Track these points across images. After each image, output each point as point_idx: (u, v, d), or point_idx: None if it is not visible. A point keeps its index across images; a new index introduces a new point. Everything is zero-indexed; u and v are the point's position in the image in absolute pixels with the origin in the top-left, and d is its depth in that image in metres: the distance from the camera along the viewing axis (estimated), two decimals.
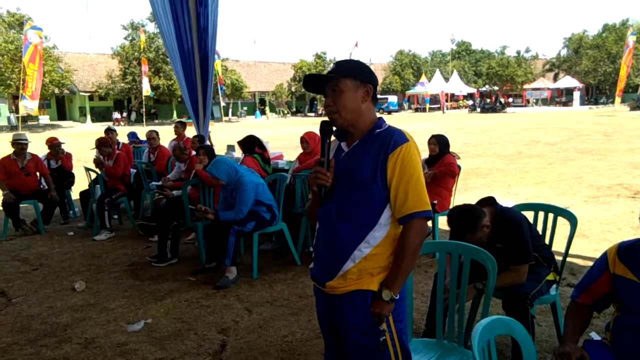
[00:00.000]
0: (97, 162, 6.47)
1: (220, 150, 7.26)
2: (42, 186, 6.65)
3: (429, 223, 1.85)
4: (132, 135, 8.90)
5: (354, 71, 1.79)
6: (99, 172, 6.48)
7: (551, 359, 1.87)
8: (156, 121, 37.34)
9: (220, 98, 34.49)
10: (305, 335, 3.34)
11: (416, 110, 47.80)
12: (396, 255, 1.77)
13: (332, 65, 1.87)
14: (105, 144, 6.35)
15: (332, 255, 1.82)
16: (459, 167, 5.09)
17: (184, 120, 8.47)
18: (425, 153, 5.38)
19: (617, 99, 30.96)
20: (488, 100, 43.40)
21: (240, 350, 3.17)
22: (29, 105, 19.01)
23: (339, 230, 1.79)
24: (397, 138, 1.74)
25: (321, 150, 1.82)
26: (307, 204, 2.09)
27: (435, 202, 4.78)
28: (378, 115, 1.87)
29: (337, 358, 2.00)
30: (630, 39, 29.61)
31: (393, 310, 1.79)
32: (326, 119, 1.83)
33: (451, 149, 5.14)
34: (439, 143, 5.00)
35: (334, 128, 1.83)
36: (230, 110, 42.14)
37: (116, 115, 37.14)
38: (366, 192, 1.76)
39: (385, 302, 1.75)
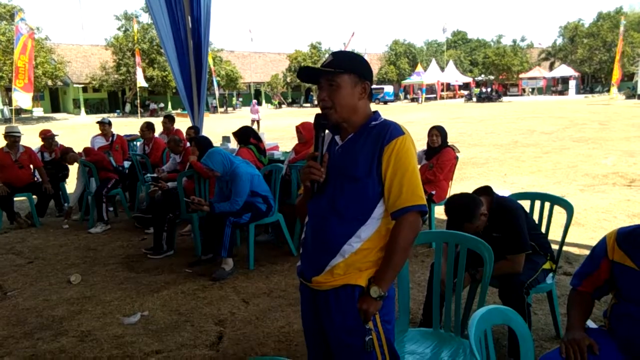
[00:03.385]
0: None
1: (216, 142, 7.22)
2: (35, 179, 6.62)
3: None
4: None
5: (353, 66, 1.69)
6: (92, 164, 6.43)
7: (560, 346, 1.85)
8: None
9: (216, 89, 34.19)
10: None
11: (412, 100, 47.67)
12: (387, 251, 1.71)
13: (328, 55, 1.74)
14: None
15: (321, 249, 1.76)
16: (457, 158, 5.07)
17: (171, 114, 8.38)
18: (420, 144, 5.37)
19: (613, 88, 31.01)
20: (484, 90, 43.35)
21: (237, 342, 3.17)
22: (22, 97, 18.86)
23: (330, 224, 1.73)
24: (393, 131, 1.69)
25: (315, 144, 1.75)
26: (297, 199, 1.99)
27: (433, 192, 4.77)
28: (374, 105, 1.82)
29: None
30: (622, 27, 29.76)
31: (380, 309, 1.70)
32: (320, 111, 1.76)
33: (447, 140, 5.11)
34: (441, 134, 4.93)
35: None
36: (225, 101, 41.95)
37: (153, 105, 37.06)
38: (360, 186, 1.70)
39: (372, 299, 1.67)
